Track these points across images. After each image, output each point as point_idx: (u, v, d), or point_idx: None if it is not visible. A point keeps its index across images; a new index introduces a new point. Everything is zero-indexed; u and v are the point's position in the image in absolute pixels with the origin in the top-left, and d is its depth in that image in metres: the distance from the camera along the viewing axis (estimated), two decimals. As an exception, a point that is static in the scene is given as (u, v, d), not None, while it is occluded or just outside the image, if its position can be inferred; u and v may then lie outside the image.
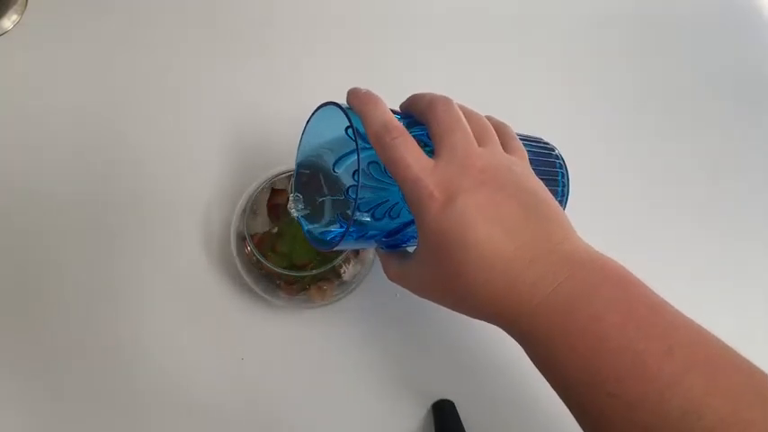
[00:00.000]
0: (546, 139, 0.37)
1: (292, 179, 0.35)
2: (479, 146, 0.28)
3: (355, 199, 0.27)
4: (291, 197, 0.35)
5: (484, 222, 0.25)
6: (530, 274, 0.25)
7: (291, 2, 0.48)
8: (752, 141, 0.50)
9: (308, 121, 0.32)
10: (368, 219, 0.29)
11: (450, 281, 0.27)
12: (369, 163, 0.27)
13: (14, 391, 0.38)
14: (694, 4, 0.53)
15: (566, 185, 0.36)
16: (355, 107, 0.29)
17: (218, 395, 0.39)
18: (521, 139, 0.33)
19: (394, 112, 0.30)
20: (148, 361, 0.39)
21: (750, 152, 0.49)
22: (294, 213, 0.34)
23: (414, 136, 0.28)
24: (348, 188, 0.28)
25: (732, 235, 0.46)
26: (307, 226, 0.34)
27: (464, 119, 0.28)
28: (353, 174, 0.28)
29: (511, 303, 0.25)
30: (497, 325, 0.27)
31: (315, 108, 0.31)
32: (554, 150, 0.37)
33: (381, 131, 0.27)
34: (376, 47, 0.48)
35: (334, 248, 0.30)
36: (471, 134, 0.28)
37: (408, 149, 0.26)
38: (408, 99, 0.31)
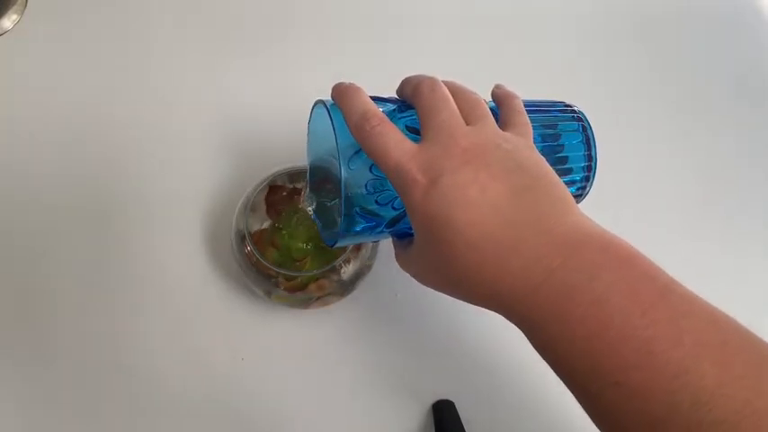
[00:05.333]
0: (569, 105, 0.35)
1: (306, 182, 0.36)
2: (468, 124, 0.27)
3: (340, 181, 0.27)
4: (305, 197, 0.35)
5: (469, 203, 0.24)
6: (521, 256, 0.24)
7: (292, 1, 0.48)
8: (751, 140, 0.50)
9: (308, 123, 0.32)
10: (368, 206, 0.28)
11: (443, 266, 0.26)
12: None
13: (13, 391, 0.38)
14: (694, 4, 0.53)
15: (592, 149, 0.34)
16: (336, 101, 0.28)
17: (218, 395, 0.38)
18: (535, 108, 0.32)
19: (389, 99, 0.30)
20: (148, 361, 0.39)
21: (750, 151, 0.49)
22: (309, 210, 0.34)
23: (407, 121, 0.28)
24: (366, 183, 0.28)
25: (731, 234, 0.47)
26: (319, 221, 0.35)
27: (451, 98, 0.28)
28: (370, 168, 0.28)
29: (505, 287, 0.24)
30: (497, 311, 0.26)
31: (311, 109, 0.31)
32: (574, 113, 0.34)
33: (360, 121, 0.26)
34: (376, 42, 0.48)
35: (342, 242, 0.30)
36: (458, 113, 0.27)
37: (389, 136, 0.26)
38: (400, 84, 0.30)
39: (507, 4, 0.50)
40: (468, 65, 0.43)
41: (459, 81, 0.30)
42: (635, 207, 0.46)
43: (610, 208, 0.42)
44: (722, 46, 0.52)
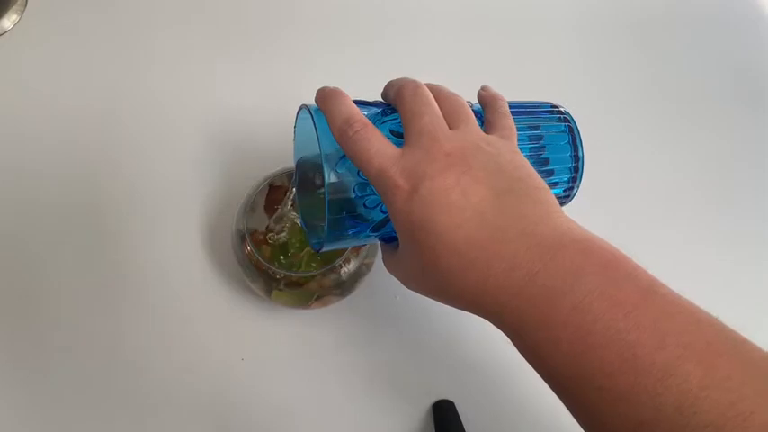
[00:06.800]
0: (556, 106, 0.35)
1: (292, 186, 0.36)
2: (451, 128, 0.27)
3: (326, 189, 0.27)
4: (294, 200, 0.35)
5: (450, 207, 0.24)
6: (504, 259, 0.24)
7: (290, 2, 0.48)
8: (751, 140, 0.50)
9: (294, 127, 0.32)
10: (356, 210, 0.28)
11: (427, 270, 0.26)
12: None
13: (14, 392, 0.38)
14: (694, 4, 0.53)
15: (578, 149, 0.34)
16: (320, 106, 0.28)
17: (218, 395, 0.38)
18: (521, 110, 0.32)
19: (375, 103, 0.30)
20: (148, 361, 0.39)
21: (749, 151, 0.49)
22: (294, 217, 0.34)
23: (391, 125, 0.28)
24: (354, 187, 0.28)
25: (730, 234, 0.47)
26: (306, 225, 0.34)
27: (433, 101, 0.27)
28: (358, 172, 0.28)
29: (489, 292, 0.24)
30: (483, 316, 0.26)
31: (296, 114, 0.31)
32: (561, 114, 0.34)
33: (343, 126, 0.26)
34: (375, 44, 0.48)
35: (328, 246, 0.30)
36: (440, 117, 0.27)
37: (371, 141, 0.26)
38: (384, 87, 0.30)
39: (505, 4, 0.50)
40: (464, 66, 0.43)
41: (457, 82, 0.30)
42: (633, 207, 0.46)
43: (608, 208, 0.42)
44: (722, 46, 0.52)
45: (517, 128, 0.30)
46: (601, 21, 0.51)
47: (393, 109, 0.29)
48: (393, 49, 0.47)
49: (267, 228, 0.38)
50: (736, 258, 0.46)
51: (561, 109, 0.35)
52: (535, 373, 0.25)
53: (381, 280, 0.40)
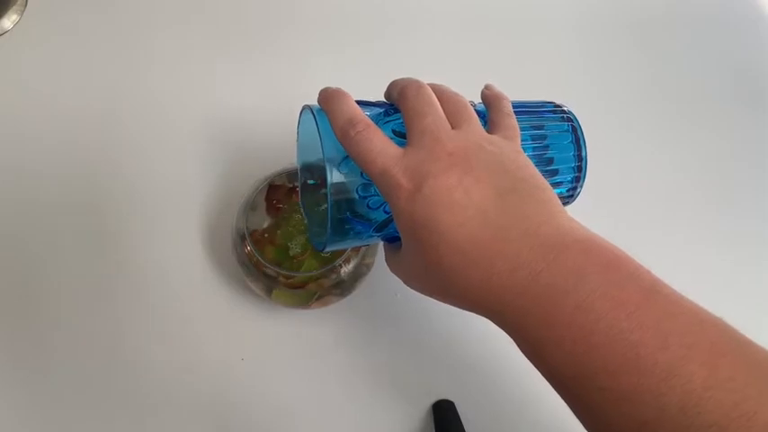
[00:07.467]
0: (559, 106, 0.35)
1: (298, 185, 0.36)
2: (454, 128, 0.27)
3: (329, 189, 0.27)
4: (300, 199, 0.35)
5: (453, 206, 0.24)
6: (507, 259, 0.24)
7: (290, 2, 0.48)
8: (751, 140, 0.50)
9: (297, 127, 0.33)
10: (359, 210, 0.28)
11: (429, 269, 0.26)
12: None
13: (14, 392, 0.38)
14: (694, 4, 0.53)
15: (582, 149, 0.34)
16: (323, 106, 0.28)
17: (218, 395, 0.38)
18: (524, 109, 0.32)
19: (377, 103, 0.30)
20: (148, 361, 0.39)
21: (749, 151, 0.49)
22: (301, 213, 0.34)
23: (393, 125, 0.28)
24: (357, 187, 0.28)
25: (730, 234, 0.46)
26: (310, 224, 0.35)
27: (436, 101, 0.28)
28: (361, 172, 0.28)
29: (492, 291, 0.24)
30: (484, 316, 0.26)
31: (299, 114, 0.31)
32: (564, 114, 0.34)
33: (346, 127, 0.27)
34: (375, 44, 0.48)
35: (331, 246, 0.30)
36: (443, 117, 0.27)
37: (374, 141, 0.26)
38: (387, 87, 0.31)
39: (505, 4, 0.50)
40: (464, 66, 0.43)
41: (457, 82, 0.30)
42: (633, 207, 0.46)
43: (608, 207, 0.42)
44: (722, 46, 0.52)
45: (520, 127, 0.30)
46: (601, 21, 0.51)
47: (395, 109, 0.29)
48: (393, 49, 0.47)
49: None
50: (736, 258, 0.46)
51: (564, 108, 0.35)
52: (535, 373, 0.25)
53: (381, 280, 0.40)
